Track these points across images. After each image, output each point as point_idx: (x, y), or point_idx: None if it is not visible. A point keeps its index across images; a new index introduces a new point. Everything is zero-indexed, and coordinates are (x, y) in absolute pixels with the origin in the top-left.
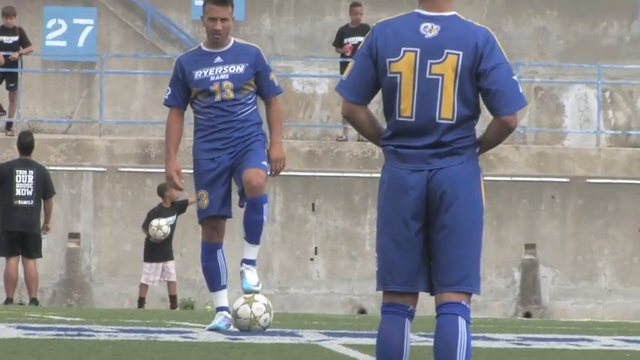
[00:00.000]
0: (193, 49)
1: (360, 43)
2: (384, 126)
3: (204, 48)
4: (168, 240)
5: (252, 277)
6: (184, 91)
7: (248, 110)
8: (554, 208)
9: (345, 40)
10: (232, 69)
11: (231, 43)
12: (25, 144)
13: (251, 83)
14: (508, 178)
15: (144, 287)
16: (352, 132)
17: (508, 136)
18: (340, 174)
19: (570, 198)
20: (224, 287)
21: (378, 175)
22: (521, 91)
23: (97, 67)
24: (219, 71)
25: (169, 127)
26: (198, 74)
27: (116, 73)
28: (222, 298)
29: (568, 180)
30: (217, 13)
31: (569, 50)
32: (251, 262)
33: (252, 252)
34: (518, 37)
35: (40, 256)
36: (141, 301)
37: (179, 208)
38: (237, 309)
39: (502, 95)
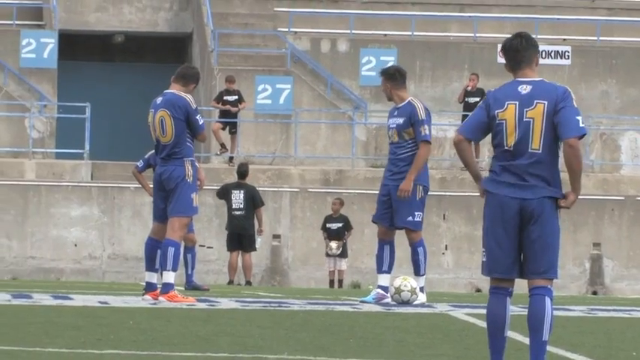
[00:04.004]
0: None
1: (476, 102)
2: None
3: (394, 104)
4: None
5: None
6: None
7: (406, 153)
8: (613, 218)
9: (466, 99)
10: (398, 121)
11: (405, 101)
12: (240, 171)
13: (409, 132)
14: (581, 197)
15: (330, 272)
16: None
17: (577, 157)
18: (463, 193)
19: (625, 211)
20: (385, 272)
21: None
22: (581, 125)
23: (293, 118)
24: (393, 121)
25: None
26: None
27: (306, 122)
28: (383, 279)
29: (624, 198)
30: (382, 83)
31: (624, 107)
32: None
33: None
34: (589, 97)
35: (255, 249)
36: (331, 282)
37: (345, 220)
38: (399, 285)
39: (565, 125)
